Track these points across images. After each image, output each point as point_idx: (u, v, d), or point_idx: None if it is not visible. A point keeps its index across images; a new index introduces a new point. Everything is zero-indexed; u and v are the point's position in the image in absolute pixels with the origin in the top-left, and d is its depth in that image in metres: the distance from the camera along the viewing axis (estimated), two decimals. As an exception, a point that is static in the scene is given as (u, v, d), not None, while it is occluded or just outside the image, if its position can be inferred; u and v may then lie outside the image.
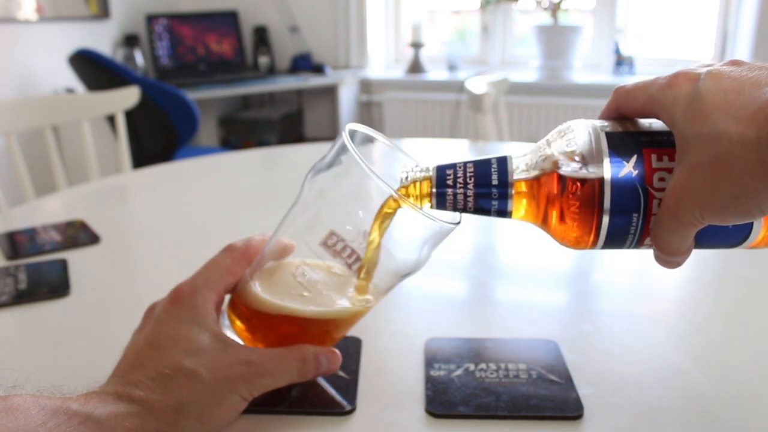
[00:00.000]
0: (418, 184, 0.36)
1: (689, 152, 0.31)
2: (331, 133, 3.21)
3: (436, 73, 3.11)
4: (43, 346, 0.51)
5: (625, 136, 0.34)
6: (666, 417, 0.41)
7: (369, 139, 0.43)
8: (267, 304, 0.40)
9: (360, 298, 0.41)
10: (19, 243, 0.72)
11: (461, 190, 0.35)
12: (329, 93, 3.13)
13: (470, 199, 0.35)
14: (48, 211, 0.91)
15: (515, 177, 0.35)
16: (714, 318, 0.55)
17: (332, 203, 0.40)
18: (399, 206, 0.37)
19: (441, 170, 0.36)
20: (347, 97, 3.09)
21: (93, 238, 0.73)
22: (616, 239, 0.34)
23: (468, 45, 3.28)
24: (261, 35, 3.20)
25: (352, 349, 0.48)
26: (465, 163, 0.36)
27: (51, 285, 0.61)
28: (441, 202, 0.36)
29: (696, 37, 2.78)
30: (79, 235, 0.75)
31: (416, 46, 3.07)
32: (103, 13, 2.85)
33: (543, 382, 0.44)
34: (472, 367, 0.46)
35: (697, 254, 0.76)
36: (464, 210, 0.36)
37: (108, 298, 0.60)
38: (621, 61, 2.86)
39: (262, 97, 3.37)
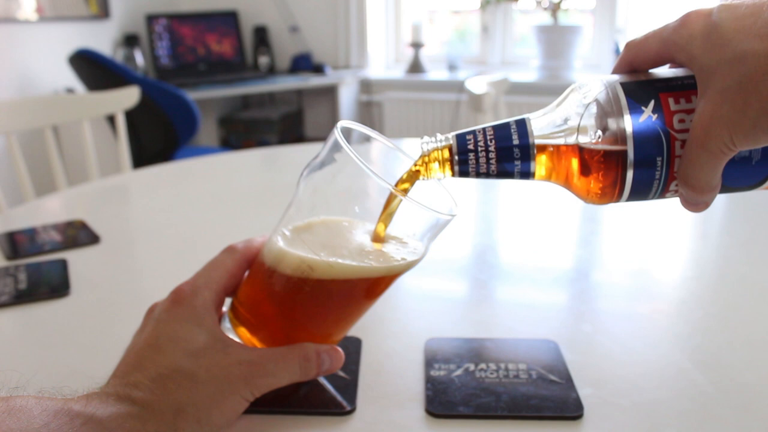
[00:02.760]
0: (438, 152, 0.36)
1: (713, 81, 0.31)
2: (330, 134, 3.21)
3: (436, 73, 3.11)
4: (43, 346, 0.51)
5: (640, 84, 0.34)
6: (666, 417, 0.41)
7: (365, 138, 0.43)
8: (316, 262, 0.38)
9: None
10: (19, 243, 0.72)
11: (483, 155, 0.35)
12: (329, 93, 3.13)
13: (493, 162, 0.35)
14: (48, 211, 0.91)
15: (536, 137, 0.35)
16: (714, 318, 0.54)
17: (328, 201, 0.39)
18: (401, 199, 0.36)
19: (461, 137, 0.36)
20: (347, 97, 3.09)
21: (93, 238, 0.73)
22: (641, 188, 0.34)
23: (468, 45, 3.28)
24: (261, 35, 3.20)
25: (352, 349, 0.48)
26: (484, 128, 0.36)
27: (51, 285, 0.61)
28: (464, 169, 0.36)
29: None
30: (79, 235, 0.75)
31: (416, 46, 3.07)
32: (103, 13, 2.85)
33: (543, 382, 0.44)
34: (472, 367, 0.46)
35: (697, 254, 0.76)
36: (487, 175, 0.36)
37: (108, 298, 0.60)
38: (621, 61, 2.86)
39: (262, 97, 3.37)
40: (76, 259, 0.67)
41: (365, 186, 0.38)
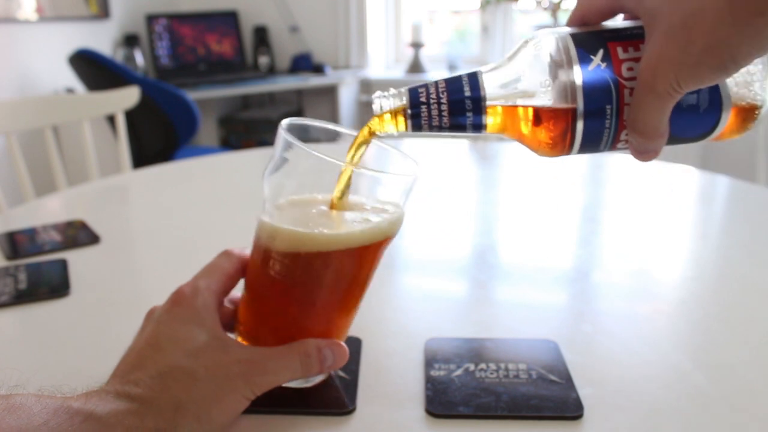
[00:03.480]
0: (391, 109, 0.37)
1: (659, 22, 0.31)
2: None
3: (436, 73, 3.11)
4: (43, 346, 0.51)
5: (590, 35, 0.35)
6: (666, 417, 0.41)
7: (333, 135, 0.43)
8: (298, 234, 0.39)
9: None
10: (19, 243, 0.72)
11: (435, 107, 0.35)
12: (329, 93, 3.13)
13: (445, 115, 0.36)
14: (48, 211, 0.91)
15: (487, 90, 0.35)
16: (714, 318, 0.54)
17: (293, 193, 0.41)
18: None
19: (413, 90, 0.36)
20: (347, 97, 3.09)
21: (93, 238, 0.73)
22: (592, 138, 0.35)
23: (468, 45, 3.28)
24: (261, 35, 3.20)
25: (352, 349, 0.48)
26: (436, 82, 0.36)
27: (51, 285, 0.61)
28: (417, 123, 0.36)
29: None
30: (79, 235, 0.75)
31: (416, 46, 3.07)
32: (103, 13, 2.85)
33: (543, 382, 0.44)
34: (472, 367, 0.46)
35: (697, 254, 0.76)
36: (440, 128, 0.36)
37: (108, 298, 0.60)
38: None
39: (262, 97, 3.37)
40: (76, 259, 0.67)
41: (323, 173, 0.40)
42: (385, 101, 0.37)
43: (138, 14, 3.05)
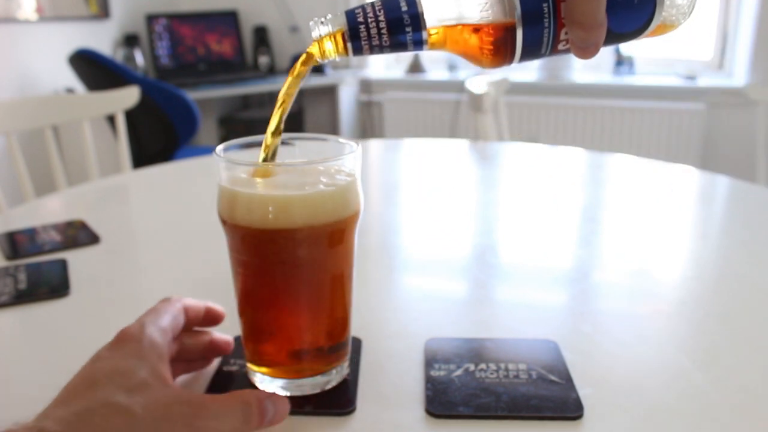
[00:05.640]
0: (330, 33, 0.36)
1: None
2: (331, 133, 3.21)
3: (436, 72, 3.11)
4: (43, 346, 0.51)
5: None
6: (666, 417, 0.41)
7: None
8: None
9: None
10: (19, 243, 0.72)
11: (374, 27, 0.35)
12: (329, 93, 3.13)
13: (384, 34, 0.35)
14: (48, 211, 0.91)
15: (424, 3, 0.35)
16: (714, 318, 0.54)
17: None
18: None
19: (350, 12, 0.36)
20: (347, 97, 3.09)
21: (93, 238, 0.73)
22: (533, 40, 0.34)
23: (468, 45, 3.27)
24: (261, 35, 3.20)
25: (352, 349, 0.48)
26: (372, 2, 0.36)
27: (51, 285, 0.61)
28: (357, 45, 0.36)
29: (696, 37, 2.78)
30: (79, 235, 0.75)
31: (416, 46, 3.06)
32: (103, 13, 2.85)
33: (543, 382, 0.44)
34: (472, 367, 0.46)
35: (697, 254, 0.76)
36: (381, 48, 0.36)
37: (108, 298, 0.60)
38: (621, 61, 2.86)
39: (262, 97, 3.37)
40: (76, 259, 0.67)
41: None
42: (323, 27, 0.36)
43: (138, 14, 3.05)
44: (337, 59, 0.37)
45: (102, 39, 2.87)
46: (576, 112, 2.73)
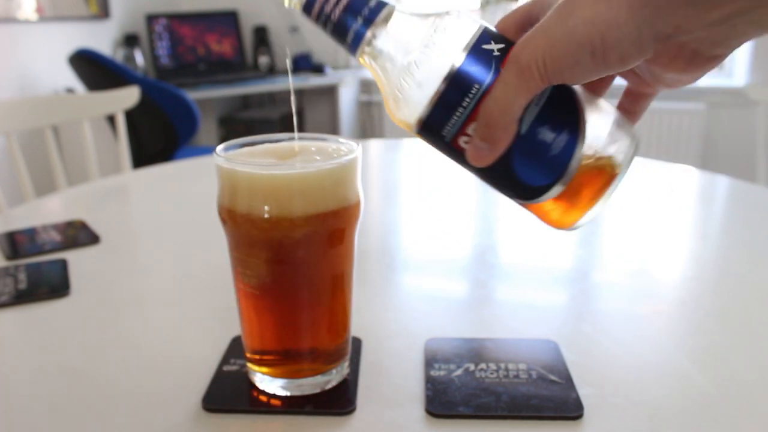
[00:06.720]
0: None
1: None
2: (331, 133, 3.21)
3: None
4: (43, 346, 0.51)
5: (500, 35, 0.34)
6: (666, 417, 0.41)
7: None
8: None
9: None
10: (19, 243, 0.72)
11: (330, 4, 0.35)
12: (329, 93, 3.13)
13: (338, 10, 0.34)
14: (48, 211, 0.91)
15: (382, 20, 0.34)
16: (714, 318, 0.54)
17: None
18: None
19: None
20: (347, 97, 3.09)
21: (93, 238, 0.73)
22: (445, 108, 0.33)
23: (468, 45, 3.27)
24: (261, 35, 3.20)
25: (352, 349, 0.48)
26: None
27: (51, 285, 0.61)
28: (308, 5, 0.35)
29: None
30: (79, 235, 0.75)
31: (416, 46, 3.07)
32: (103, 13, 2.85)
33: (543, 382, 0.44)
34: (472, 367, 0.46)
35: (697, 254, 0.76)
36: (326, 18, 0.35)
37: (108, 298, 0.60)
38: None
39: (262, 97, 3.37)
40: (76, 259, 0.67)
41: None
42: None
43: (138, 14, 3.05)
44: (293, 8, 0.36)
45: (102, 39, 2.87)
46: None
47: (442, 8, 0.36)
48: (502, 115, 0.31)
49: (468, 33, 0.34)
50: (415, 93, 0.34)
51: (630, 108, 0.39)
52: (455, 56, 0.33)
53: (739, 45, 0.30)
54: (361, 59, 0.36)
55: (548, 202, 0.35)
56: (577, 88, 0.34)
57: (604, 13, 0.28)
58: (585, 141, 0.33)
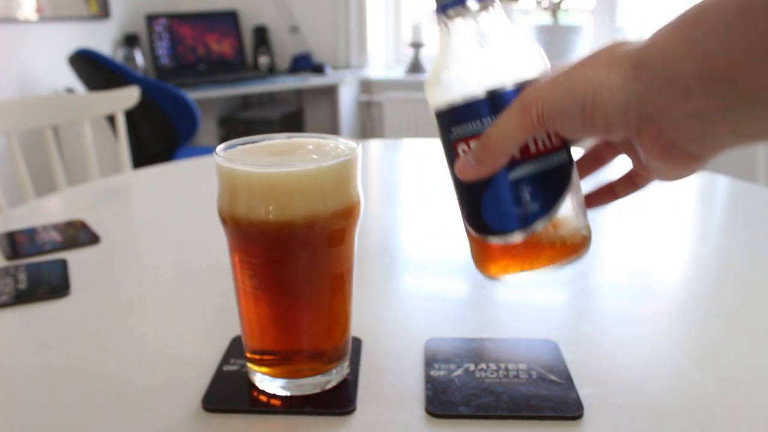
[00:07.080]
0: None
1: None
2: (331, 133, 3.21)
3: (436, 73, 3.10)
4: (43, 346, 0.51)
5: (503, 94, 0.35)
6: (666, 417, 0.41)
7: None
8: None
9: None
10: (19, 243, 0.72)
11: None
12: (329, 93, 3.13)
13: None
14: (48, 211, 0.91)
15: (487, 4, 0.36)
16: (714, 318, 0.54)
17: None
18: None
19: None
20: (347, 97, 3.09)
21: (93, 238, 0.73)
22: (465, 113, 0.36)
23: (468, 45, 3.27)
24: (261, 35, 3.20)
25: (352, 349, 0.48)
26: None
27: (51, 285, 0.61)
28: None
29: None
30: (79, 235, 0.75)
31: (416, 45, 3.07)
32: (103, 13, 2.85)
33: (543, 382, 0.44)
34: (472, 367, 0.46)
35: (697, 254, 0.76)
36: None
37: (108, 298, 0.60)
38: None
39: (262, 97, 3.37)
40: (76, 259, 0.67)
41: None
42: None
43: (138, 14, 3.05)
44: None
45: (102, 39, 2.87)
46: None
47: (533, 38, 0.38)
48: (498, 143, 0.34)
49: (531, 70, 0.36)
50: (456, 82, 0.36)
51: (616, 187, 0.45)
52: (508, 80, 0.35)
53: (715, 149, 0.33)
54: (443, 19, 0.37)
55: (491, 244, 0.37)
56: (575, 173, 0.38)
57: (603, 76, 0.31)
58: (552, 218, 0.36)
